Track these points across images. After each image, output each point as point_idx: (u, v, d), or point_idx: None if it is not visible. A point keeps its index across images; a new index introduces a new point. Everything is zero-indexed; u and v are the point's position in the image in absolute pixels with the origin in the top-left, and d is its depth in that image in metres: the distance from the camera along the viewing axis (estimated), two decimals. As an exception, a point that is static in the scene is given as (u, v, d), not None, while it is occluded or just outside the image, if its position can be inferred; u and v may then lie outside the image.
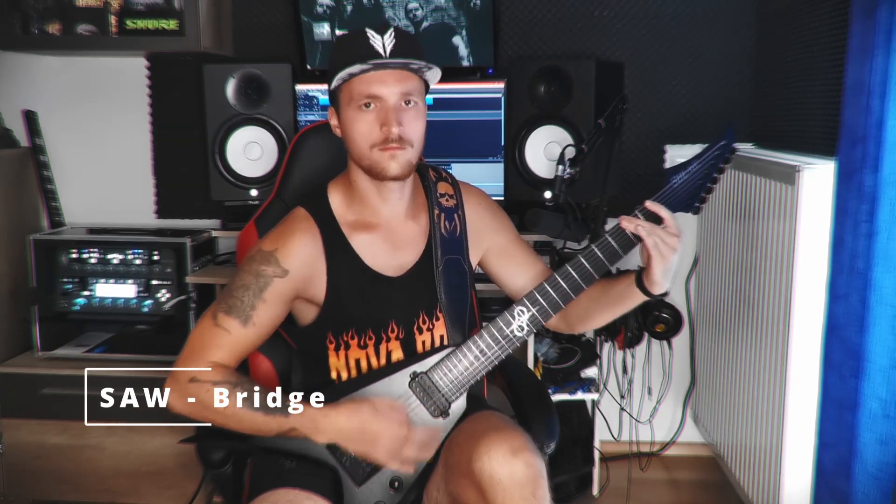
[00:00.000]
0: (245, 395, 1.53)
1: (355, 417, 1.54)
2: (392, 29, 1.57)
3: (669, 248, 1.56)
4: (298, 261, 1.60)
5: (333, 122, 1.66)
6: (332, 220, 1.65)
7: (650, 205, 1.58)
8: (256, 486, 1.60)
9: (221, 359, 1.56)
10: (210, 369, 1.54)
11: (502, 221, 1.82)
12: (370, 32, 1.56)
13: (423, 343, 1.68)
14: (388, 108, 1.57)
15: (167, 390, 1.57)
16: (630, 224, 1.57)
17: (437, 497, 1.60)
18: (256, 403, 1.53)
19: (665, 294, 1.63)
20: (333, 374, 1.67)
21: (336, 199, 1.68)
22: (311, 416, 1.54)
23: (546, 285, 1.62)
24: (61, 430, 2.79)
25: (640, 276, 1.63)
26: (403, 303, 1.67)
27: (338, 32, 2.85)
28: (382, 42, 1.55)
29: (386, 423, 1.55)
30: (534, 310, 1.62)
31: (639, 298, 1.65)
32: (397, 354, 1.66)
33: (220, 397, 1.52)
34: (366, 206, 1.67)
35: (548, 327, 1.81)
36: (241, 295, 1.57)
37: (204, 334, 1.58)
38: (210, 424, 1.59)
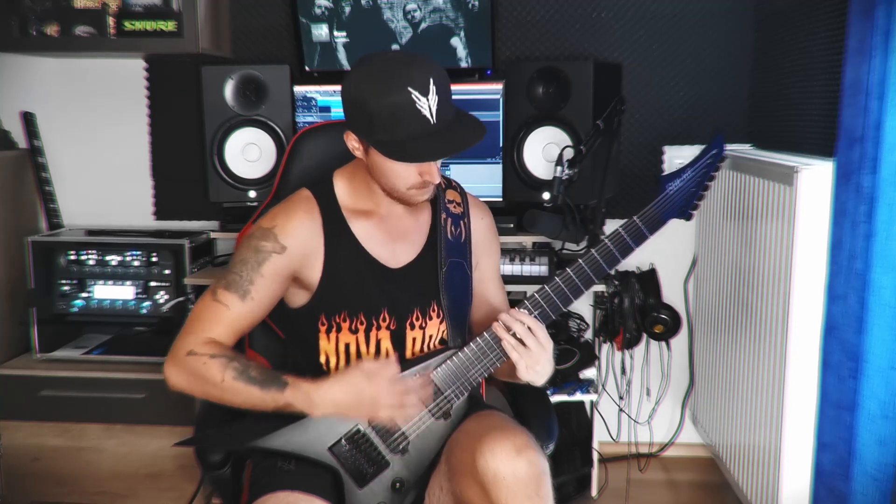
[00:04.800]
0: (241, 368, 1.54)
1: (348, 386, 1.55)
2: (432, 83, 1.49)
3: (533, 361, 1.59)
4: (297, 238, 1.61)
5: (354, 144, 1.60)
6: (335, 203, 1.67)
7: (520, 315, 1.60)
8: (256, 488, 1.60)
9: (219, 335, 1.58)
10: (207, 343, 1.56)
11: (496, 247, 1.84)
12: (416, 96, 1.47)
13: (414, 340, 1.69)
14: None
15: (166, 365, 1.58)
16: (503, 331, 1.59)
17: (440, 497, 1.60)
18: (252, 377, 1.53)
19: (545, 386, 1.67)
20: (322, 358, 1.67)
21: (340, 186, 1.69)
22: (305, 391, 1.54)
23: (547, 289, 1.63)
24: (60, 431, 2.79)
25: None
26: (398, 295, 1.67)
27: (336, 34, 2.85)
28: (429, 106, 1.49)
29: (380, 382, 1.55)
30: (535, 313, 1.63)
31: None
32: (386, 344, 1.67)
33: (217, 369, 1.53)
34: (370, 196, 1.68)
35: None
36: (240, 270, 1.59)
37: (203, 310, 1.60)
38: (208, 431, 1.59)
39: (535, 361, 1.60)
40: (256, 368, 1.55)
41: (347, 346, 1.66)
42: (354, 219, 1.67)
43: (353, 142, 1.60)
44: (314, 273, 1.64)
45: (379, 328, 1.66)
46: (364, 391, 1.55)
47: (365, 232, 1.67)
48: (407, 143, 1.50)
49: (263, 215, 1.67)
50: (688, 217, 1.67)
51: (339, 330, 1.65)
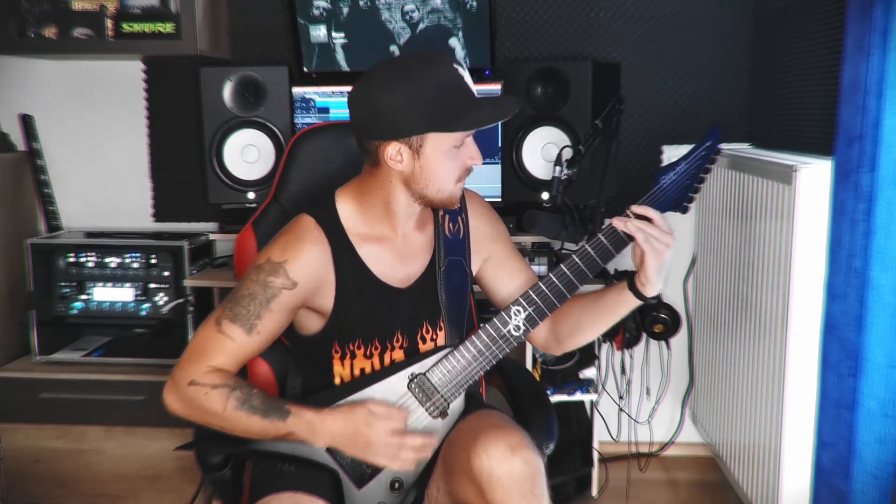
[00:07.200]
0: (243, 398, 1.53)
1: (350, 423, 1.55)
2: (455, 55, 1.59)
3: (663, 245, 1.57)
4: (307, 272, 1.58)
5: (394, 157, 1.55)
6: (341, 231, 1.63)
7: (636, 209, 1.60)
8: (256, 489, 1.59)
9: (222, 364, 1.56)
10: (209, 373, 1.54)
11: (501, 230, 1.82)
12: (460, 70, 1.54)
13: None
14: (471, 140, 1.60)
15: (166, 392, 1.57)
16: (621, 223, 1.59)
17: (438, 497, 1.60)
18: (254, 407, 1.53)
19: (657, 297, 1.64)
20: (337, 381, 1.66)
21: (345, 210, 1.65)
22: (307, 421, 1.54)
23: (541, 285, 1.63)
24: (60, 434, 2.80)
25: (632, 281, 1.63)
26: (409, 313, 1.66)
27: (334, 35, 2.85)
28: (468, 76, 1.57)
29: (379, 429, 1.55)
30: (530, 309, 1.63)
31: (631, 304, 1.65)
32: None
33: (218, 400, 1.52)
34: (381, 221, 1.65)
35: (537, 347, 1.82)
36: (248, 304, 1.56)
37: (207, 340, 1.57)
38: (207, 427, 1.58)
39: (664, 245, 1.57)
40: (259, 397, 1.54)
41: (363, 370, 1.65)
42: (362, 243, 1.64)
43: (391, 155, 1.54)
44: (326, 301, 1.62)
45: (393, 349, 1.66)
46: (360, 432, 1.55)
47: (374, 256, 1.64)
48: (468, 113, 1.53)
49: (271, 244, 1.61)
50: (683, 210, 1.66)
51: (353, 357, 1.65)
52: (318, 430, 1.54)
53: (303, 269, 1.58)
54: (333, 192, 1.67)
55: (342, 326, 1.63)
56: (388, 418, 1.56)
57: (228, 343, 1.55)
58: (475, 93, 1.56)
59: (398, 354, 1.66)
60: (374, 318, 1.64)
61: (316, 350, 1.67)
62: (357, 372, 1.65)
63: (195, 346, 1.58)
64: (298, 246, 1.59)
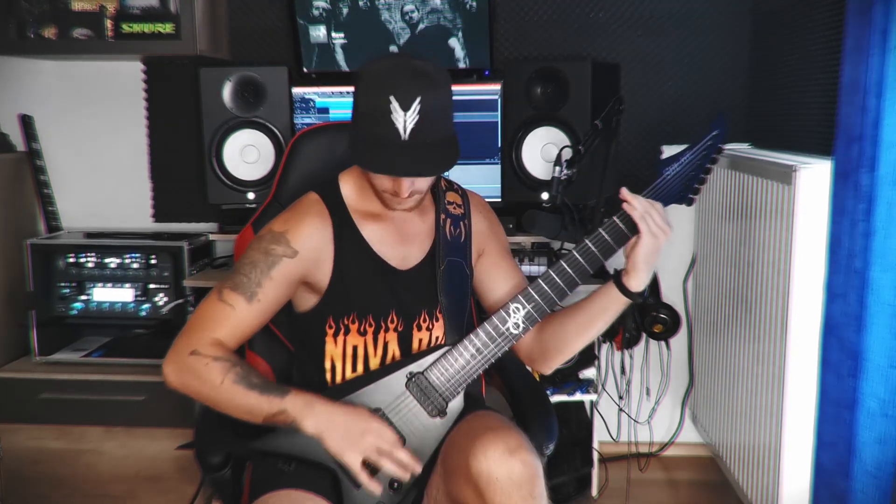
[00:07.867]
0: (243, 374, 1.54)
1: (351, 418, 1.55)
2: (417, 103, 1.46)
3: (659, 228, 1.57)
4: (308, 243, 1.61)
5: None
6: (343, 207, 1.66)
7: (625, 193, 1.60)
8: (256, 488, 1.60)
9: (224, 336, 1.57)
10: (212, 344, 1.55)
11: (498, 230, 1.83)
12: (394, 106, 1.45)
13: (420, 341, 1.68)
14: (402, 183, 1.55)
15: (166, 362, 1.58)
16: (628, 195, 1.58)
17: (437, 497, 1.60)
18: (253, 384, 1.53)
19: (643, 294, 1.63)
20: (328, 364, 1.66)
21: (348, 188, 1.69)
22: (307, 399, 1.54)
23: (541, 282, 1.63)
24: (60, 434, 2.79)
25: (619, 278, 1.63)
26: (406, 296, 1.67)
27: (334, 35, 2.85)
28: (404, 121, 1.46)
29: (377, 429, 1.55)
30: (529, 307, 1.63)
31: (618, 302, 1.64)
32: (393, 346, 1.67)
33: (218, 372, 1.52)
34: (375, 197, 1.66)
35: (521, 361, 1.81)
36: (249, 272, 1.58)
37: (208, 310, 1.59)
38: (205, 424, 1.58)
39: (659, 229, 1.57)
40: (258, 376, 1.55)
41: (355, 348, 1.66)
42: (363, 221, 1.67)
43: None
44: (324, 276, 1.63)
45: (387, 330, 1.66)
46: (355, 428, 1.54)
47: (374, 234, 1.67)
48: (368, 145, 1.50)
49: (274, 219, 1.65)
50: (689, 202, 1.64)
51: (346, 332, 1.65)
52: (316, 409, 1.53)
53: (304, 240, 1.60)
54: (337, 175, 1.72)
55: (338, 299, 1.64)
56: (383, 430, 1.55)
57: (229, 312, 1.57)
58: (402, 134, 1.47)
59: (392, 337, 1.66)
60: (369, 292, 1.65)
61: (310, 328, 1.67)
62: (349, 351, 1.65)
63: (197, 317, 1.60)
64: (300, 218, 1.63)
